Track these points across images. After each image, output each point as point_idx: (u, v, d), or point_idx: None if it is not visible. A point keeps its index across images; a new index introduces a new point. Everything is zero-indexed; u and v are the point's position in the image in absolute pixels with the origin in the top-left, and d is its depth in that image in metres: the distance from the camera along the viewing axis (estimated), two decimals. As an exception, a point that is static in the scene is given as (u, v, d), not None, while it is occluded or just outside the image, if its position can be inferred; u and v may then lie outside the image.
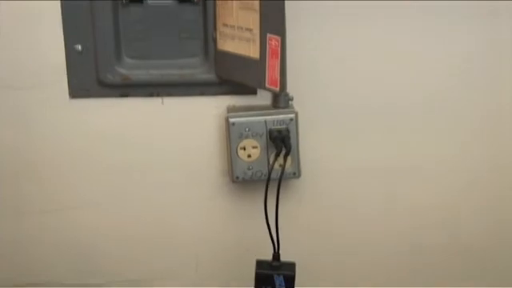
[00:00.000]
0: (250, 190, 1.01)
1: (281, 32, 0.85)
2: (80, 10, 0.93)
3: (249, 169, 0.96)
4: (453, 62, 0.98)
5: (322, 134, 1.01)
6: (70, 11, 0.93)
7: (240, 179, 0.97)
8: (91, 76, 0.95)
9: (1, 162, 1.00)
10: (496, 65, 0.98)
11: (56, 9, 0.93)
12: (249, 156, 0.96)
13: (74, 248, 1.04)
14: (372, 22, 0.96)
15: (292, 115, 0.95)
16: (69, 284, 1.06)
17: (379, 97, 1.00)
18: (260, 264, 0.93)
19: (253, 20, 0.87)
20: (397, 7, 0.95)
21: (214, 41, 0.94)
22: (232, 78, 0.94)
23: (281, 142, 0.93)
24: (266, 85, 0.89)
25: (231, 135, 0.95)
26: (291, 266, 0.93)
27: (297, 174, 0.98)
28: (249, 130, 0.94)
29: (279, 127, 0.95)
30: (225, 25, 0.92)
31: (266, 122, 0.94)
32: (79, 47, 0.94)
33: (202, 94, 0.97)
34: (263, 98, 0.97)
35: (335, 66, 0.98)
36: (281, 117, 0.94)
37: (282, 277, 0.93)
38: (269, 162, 0.96)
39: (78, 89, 0.97)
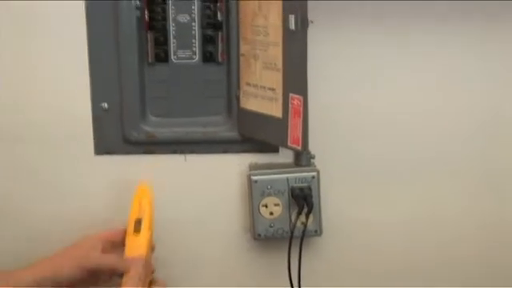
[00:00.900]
0: (271, 247, 1.01)
1: (303, 92, 0.86)
2: (107, 69, 0.95)
3: (271, 226, 0.96)
4: (476, 116, 0.99)
5: (343, 191, 1.01)
6: (97, 70, 0.95)
7: (262, 236, 0.97)
8: (116, 133, 0.97)
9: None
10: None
11: (84, 67, 0.95)
12: (271, 213, 0.96)
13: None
14: (391, 83, 0.98)
15: (314, 173, 0.95)
16: None
17: (400, 153, 1.01)
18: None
19: (276, 80, 0.89)
20: (418, 61, 0.97)
21: (238, 99, 0.95)
22: (255, 136, 0.95)
23: (303, 199, 0.94)
24: (289, 143, 0.90)
25: (253, 192, 0.95)
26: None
27: (318, 232, 0.98)
28: (271, 188, 0.95)
29: (301, 185, 0.95)
30: (248, 84, 0.93)
31: (288, 179, 0.95)
32: (105, 105, 0.96)
33: (224, 151, 0.98)
34: (285, 155, 0.98)
35: (356, 124, 0.99)
36: (303, 175, 0.95)
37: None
38: (291, 220, 0.96)
39: (103, 145, 0.98)
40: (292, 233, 0.93)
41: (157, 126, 0.97)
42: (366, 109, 0.99)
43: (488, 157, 1.01)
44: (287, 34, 0.86)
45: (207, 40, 0.95)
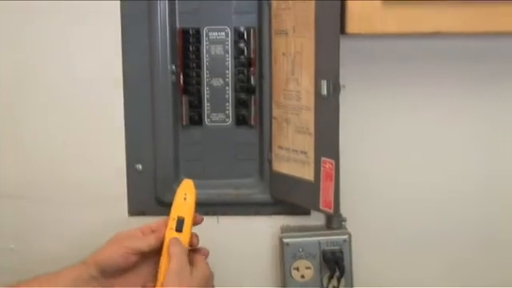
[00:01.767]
0: (303, 310, 1.00)
1: (335, 155, 0.87)
2: (142, 131, 0.97)
3: (302, 289, 0.96)
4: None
5: (375, 254, 1.00)
6: (132, 132, 0.98)
7: (293, 300, 0.96)
8: (150, 194, 0.99)
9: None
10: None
11: (119, 129, 0.98)
12: (302, 277, 0.95)
13: None
14: (424, 148, 0.99)
15: (345, 236, 0.95)
16: None
17: (431, 218, 1.00)
18: None
19: (308, 143, 0.90)
20: (450, 128, 0.99)
21: (270, 162, 0.96)
22: (286, 198, 0.96)
23: (334, 263, 0.93)
24: (320, 206, 0.90)
25: (285, 255, 0.95)
26: None
27: (350, 296, 0.97)
28: (302, 251, 0.95)
29: (333, 248, 0.95)
30: (280, 147, 0.94)
31: (319, 242, 0.95)
32: (140, 166, 0.98)
33: (256, 213, 0.99)
34: (317, 218, 0.98)
35: (387, 188, 1.00)
36: (334, 238, 0.95)
37: None
38: (322, 284, 0.95)
39: (137, 206, 1.00)
40: (324, 297, 0.92)
41: (190, 188, 0.98)
42: (397, 173, 0.99)
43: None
44: (319, 99, 0.87)
45: (240, 103, 0.97)
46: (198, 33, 0.95)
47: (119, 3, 0.94)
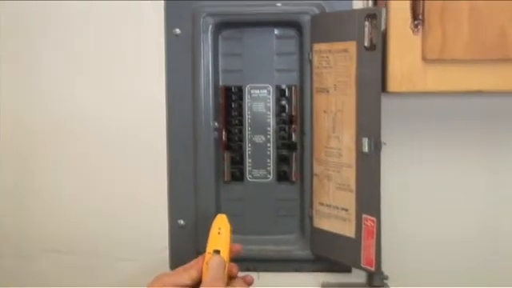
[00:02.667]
0: None
1: (376, 213, 0.87)
2: (185, 187, 0.99)
3: None
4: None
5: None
6: (175, 188, 1.00)
7: None
8: (191, 249, 0.99)
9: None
10: None
11: (163, 185, 1.00)
12: (343, 335, 0.94)
13: None
14: (465, 208, 0.98)
15: (387, 295, 0.94)
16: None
17: (475, 276, 0.99)
18: None
19: (349, 200, 0.90)
20: (491, 187, 0.98)
21: (310, 219, 0.97)
22: (327, 255, 0.96)
23: (376, 321, 0.92)
24: (362, 264, 0.90)
25: (326, 313, 0.94)
26: None
27: None
28: (344, 308, 0.94)
29: (374, 306, 0.94)
30: (321, 204, 0.95)
31: (361, 300, 0.94)
32: (182, 222, 0.99)
33: (297, 270, 0.98)
34: (358, 275, 0.98)
35: (428, 246, 0.99)
36: (376, 296, 0.94)
37: None
38: None
39: (179, 261, 0.99)
40: None
41: (231, 244, 0.98)
42: (439, 230, 0.99)
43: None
44: (360, 156, 0.88)
45: (281, 160, 0.98)
46: (240, 90, 0.98)
47: (164, 60, 0.97)
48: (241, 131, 0.98)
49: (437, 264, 0.99)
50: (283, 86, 0.97)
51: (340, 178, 0.91)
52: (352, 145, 0.89)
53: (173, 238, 1.00)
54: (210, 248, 0.85)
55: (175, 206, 1.00)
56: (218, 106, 0.97)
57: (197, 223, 0.99)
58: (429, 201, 0.98)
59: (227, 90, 0.98)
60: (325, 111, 0.92)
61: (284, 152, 0.98)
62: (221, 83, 0.98)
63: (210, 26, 0.95)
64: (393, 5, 0.82)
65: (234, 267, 0.86)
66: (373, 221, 0.87)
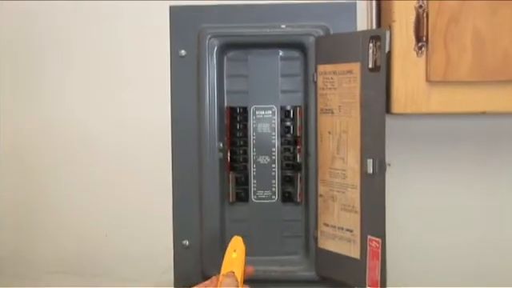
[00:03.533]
0: None
1: (381, 234, 0.87)
2: (189, 208, 0.99)
3: None
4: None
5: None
6: (180, 208, 1.00)
7: None
8: (196, 269, 0.99)
9: None
10: None
11: (167, 205, 1.00)
12: None
13: None
14: (471, 229, 0.99)
15: (393, 316, 0.93)
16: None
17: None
18: None
19: (354, 221, 0.90)
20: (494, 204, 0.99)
21: (315, 239, 0.96)
22: (332, 276, 0.95)
23: None
24: (367, 285, 0.90)
25: (331, 335, 0.94)
26: None
27: None
28: (348, 330, 0.93)
29: (379, 328, 0.93)
30: (326, 224, 0.95)
31: (366, 322, 0.93)
32: (187, 242, 0.99)
33: (302, 291, 0.98)
34: (363, 297, 0.97)
35: (433, 264, 0.99)
36: (381, 317, 0.93)
37: None
38: None
39: (183, 281, 1.00)
40: None
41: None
42: (445, 251, 0.98)
43: None
44: (365, 177, 0.88)
45: (286, 181, 0.98)
46: (245, 111, 0.98)
47: (170, 80, 0.98)
48: (246, 152, 0.99)
49: (444, 285, 0.99)
50: (288, 107, 0.98)
51: (345, 198, 0.91)
52: (356, 166, 0.89)
53: (177, 259, 1.00)
54: (224, 269, 0.85)
55: (180, 227, 1.00)
56: (222, 127, 0.98)
57: (202, 244, 0.99)
58: (434, 220, 0.98)
59: (232, 110, 0.98)
60: (329, 132, 0.93)
61: (289, 173, 0.98)
62: (226, 104, 0.99)
63: (215, 48, 0.96)
64: (397, 27, 0.83)
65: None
66: (378, 242, 0.87)
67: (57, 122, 1.00)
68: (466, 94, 0.83)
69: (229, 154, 0.98)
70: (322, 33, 0.94)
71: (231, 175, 0.99)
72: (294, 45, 0.96)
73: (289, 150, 0.98)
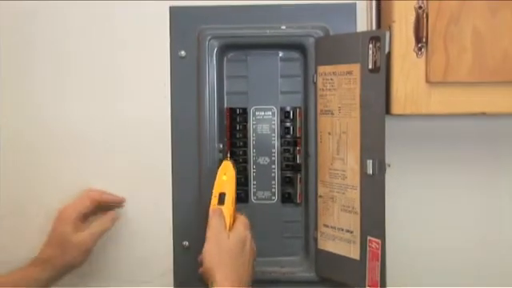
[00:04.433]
0: None
1: (381, 235, 0.87)
2: (189, 209, 0.99)
3: None
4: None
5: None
6: (179, 210, 1.00)
7: None
8: (195, 270, 0.98)
9: None
10: None
11: (167, 208, 1.00)
12: None
13: None
14: (472, 230, 0.99)
15: (392, 316, 0.93)
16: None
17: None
18: None
19: (353, 222, 0.90)
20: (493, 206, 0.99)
21: (315, 240, 0.96)
22: (332, 277, 0.95)
23: None
24: (367, 285, 0.90)
25: (330, 336, 0.94)
26: None
27: None
28: (348, 331, 0.94)
29: (379, 328, 0.93)
30: (326, 225, 0.95)
31: (365, 322, 0.93)
32: (186, 243, 0.99)
33: (302, 291, 0.98)
34: (363, 297, 0.97)
35: (433, 265, 0.99)
36: (381, 317, 0.93)
37: None
38: None
39: (183, 281, 1.00)
40: None
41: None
42: (445, 251, 0.99)
43: None
44: (365, 178, 0.88)
45: (286, 181, 0.99)
46: (245, 112, 0.98)
47: (169, 81, 0.98)
48: (245, 153, 0.99)
49: (444, 284, 0.99)
50: (288, 108, 0.98)
51: (344, 199, 0.91)
52: (356, 167, 0.89)
53: (177, 260, 1.00)
54: (215, 191, 0.89)
55: (180, 228, 1.00)
56: (222, 128, 0.98)
57: (201, 245, 0.98)
58: (434, 221, 0.98)
59: (232, 111, 0.98)
60: (329, 133, 0.93)
61: (288, 174, 0.98)
62: (225, 105, 0.99)
63: (215, 49, 0.96)
64: (396, 27, 0.83)
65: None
66: (377, 243, 0.87)
67: (56, 123, 1.00)
68: (466, 95, 0.83)
69: (228, 155, 0.98)
70: (321, 34, 0.94)
71: (231, 176, 0.98)
72: (294, 46, 0.96)
73: (289, 150, 0.98)
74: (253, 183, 0.99)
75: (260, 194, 0.99)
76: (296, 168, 0.98)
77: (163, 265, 1.00)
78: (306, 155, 0.97)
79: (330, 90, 0.92)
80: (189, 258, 0.99)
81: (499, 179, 0.98)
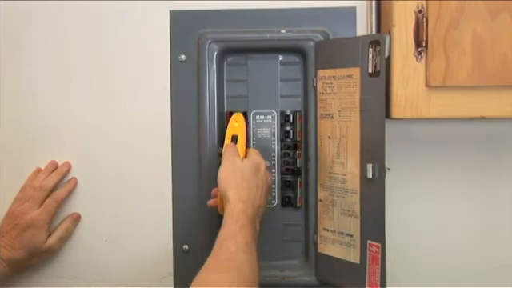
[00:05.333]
0: None
1: (381, 239, 0.87)
2: (189, 212, 0.99)
3: None
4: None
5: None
6: (179, 214, 1.00)
7: None
8: (196, 274, 0.99)
9: None
10: None
11: (168, 210, 1.00)
12: None
13: None
14: (470, 233, 0.99)
15: (392, 321, 0.93)
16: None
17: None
18: None
19: (353, 226, 0.90)
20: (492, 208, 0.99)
21: (315, 244, 0.96)
22: (332, 281, 0.95)
23: None
24: (367, 289, 0.90)
25: None
26: None
27: None
28: (348, 335, 0.93)
29: (379, 332, 0.93)
30: (326, 229, 0.95)
31: (365, 326, 0.93)
32: (186, 247, 0.99)
33: (302, 295, 0.98)
34: (363, 301, 0.97)
35: (435, 271, 0.99)
36: (381, 321, 0.93)
37: None
38: None
39: (184, 284, 1.00)
40: None
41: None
42: (445, 254, 0.99)
43: None
44: (365, 182, 0.88)
45: (286, 185, 0.99)
46: (245, 116, 0.98)
47: (169, 85, 0.98)
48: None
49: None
50: (288, 112, 0.98)
51: (344, 203, 0.91)
52: (356, 170, 0.89)
53: (177, 263, 1.00)
54: (228, 134, 0.92)
55: (180, 232, 1.00)
56: (222, 132, 0.98)
57: (201, 248, 0.99)
58: (434, 224, 0.98)
59: (232, 115, 0.98)
60: (329, 137, 0.93)
61: (288, 177, 0.98)
62: (226, 109, 0.99)
63: (215, 53, 0.96)
64: (396, 31, 0.83)
65: None
66: (377, 247, 0.87)
67: (56, 126, 1.00)
68: (466, 99, 0.83)
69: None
70: (321, 38, 0.94)
71: (231, 180, 0.98)
72: (294, 50, 0.96)
73: (288, 154, 0.98)
74: (253, 187, 0.98)
75: (260, 197, 0.99)
76: (296, 172, 0.98)
77: (163, 268, 1.00)
78: (306, 159, 0.97)
79: (329, 93, 0.92)
80: (189, 261, 0.99)
81: (499, 184, 0.98)
